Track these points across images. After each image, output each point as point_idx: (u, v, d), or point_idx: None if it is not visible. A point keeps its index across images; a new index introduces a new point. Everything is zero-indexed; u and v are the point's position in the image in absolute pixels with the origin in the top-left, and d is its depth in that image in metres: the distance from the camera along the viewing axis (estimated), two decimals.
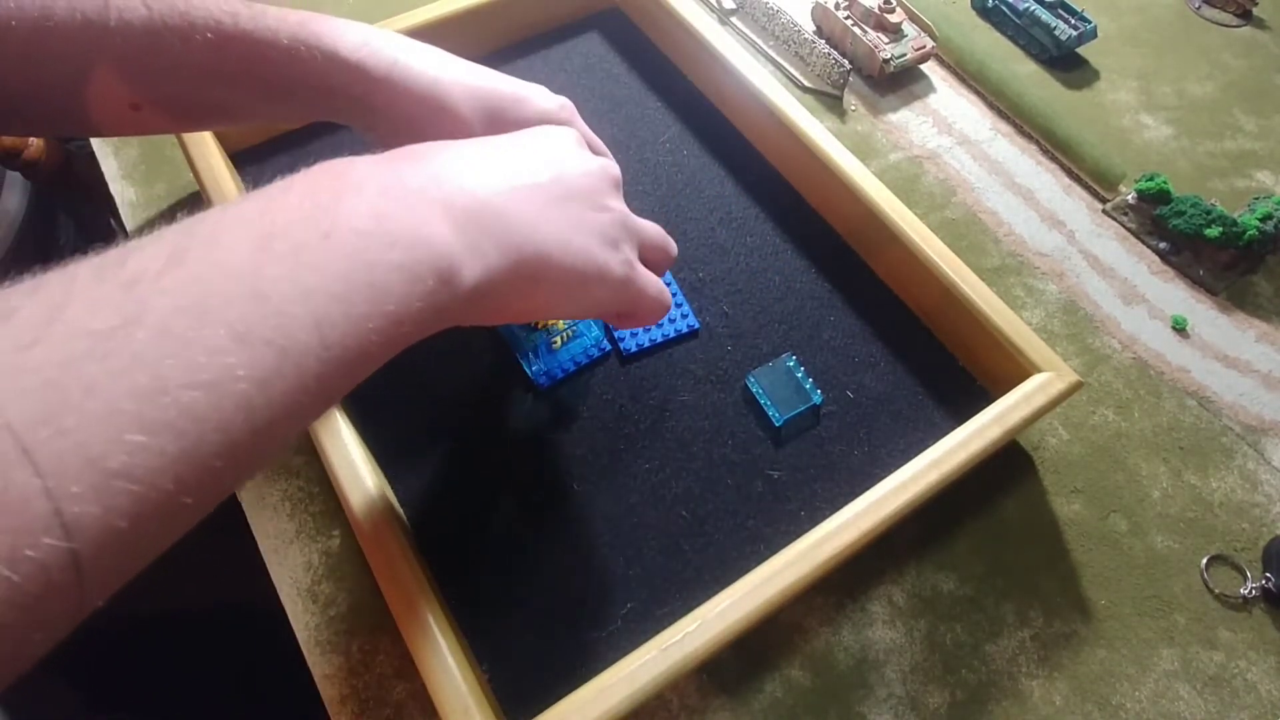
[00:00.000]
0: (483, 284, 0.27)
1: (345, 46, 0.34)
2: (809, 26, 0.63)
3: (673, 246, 0.37)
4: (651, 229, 0.36)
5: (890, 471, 0.38)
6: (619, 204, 0.33)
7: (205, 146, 0.45)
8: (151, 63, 0.32)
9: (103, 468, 0.16)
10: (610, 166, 0.34)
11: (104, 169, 0.51)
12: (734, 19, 0.64)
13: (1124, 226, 0.55)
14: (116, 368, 0.17)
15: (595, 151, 0.40)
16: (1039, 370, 0.41)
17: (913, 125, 0.59)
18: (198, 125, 0.40)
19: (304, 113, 0.36)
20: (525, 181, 0.30)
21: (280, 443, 0.21)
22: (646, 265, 0.35)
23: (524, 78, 0.40)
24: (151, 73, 0.32)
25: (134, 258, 0.19)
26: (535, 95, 0.38)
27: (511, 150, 0.31)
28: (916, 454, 0.38)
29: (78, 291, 0.18)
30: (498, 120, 0.36)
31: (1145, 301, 0.51)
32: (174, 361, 0.18)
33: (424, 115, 0.35)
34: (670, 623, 0.33)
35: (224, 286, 0.20)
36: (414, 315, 0.24)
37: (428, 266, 0.24)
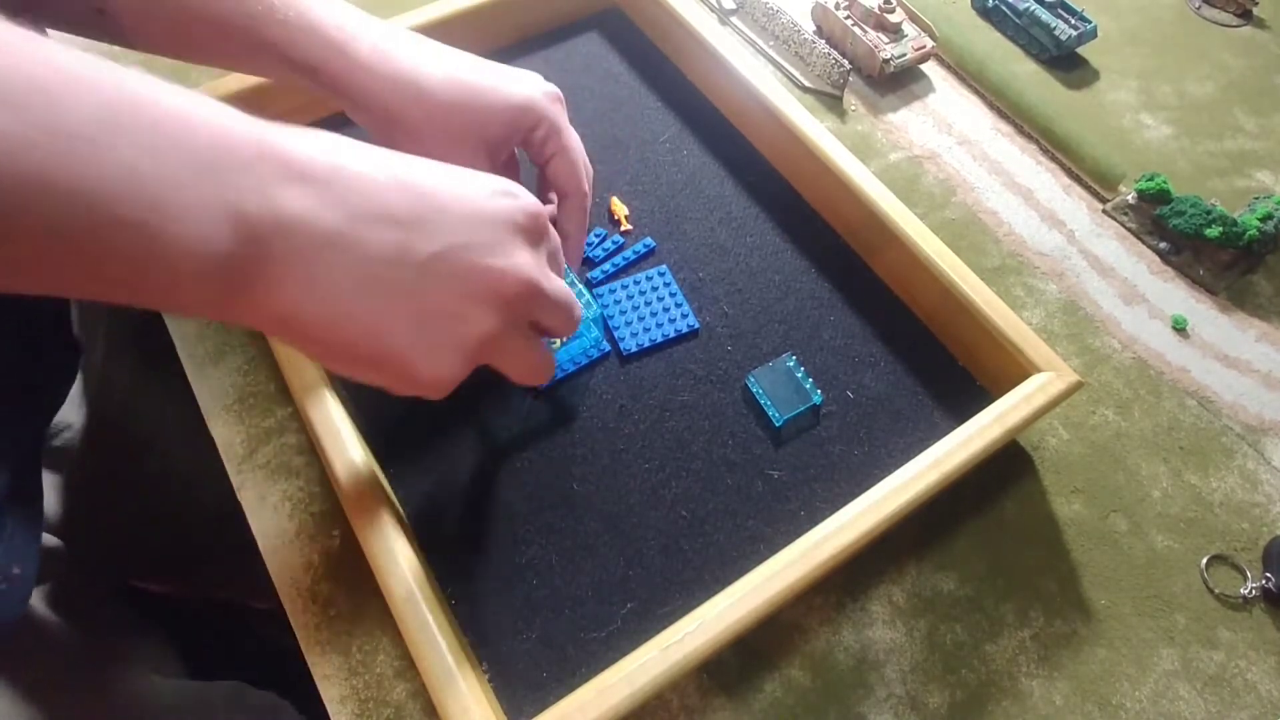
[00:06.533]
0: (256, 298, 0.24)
1: (330, 24, 0.34)
2: (809, 26, 0.63)
3: (576, 312, 0.33)
4: (555, 296, 0.31)
5: (890, 471, 0.38)
6: (487, 318, 0.28)
7: None
8: None
9: None
10: (522, 271, 0.29)
11: None
12: (734, 19, 0.64)
13: (1124, 226, 0.55)
14: None
15: (567, 148, 0.38)
16: (1039, 370, 0.41)
17: (913, 125, 0.59)
18: (158, 49, 0.36)
19: (284, 80, 0.36)
20: (390, 275, 0.26)
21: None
22: (547, 331, 0.33)
23: None
24: None
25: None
26: (510, 83, 0.37)
27: (415, 222, 0.27)
28: (916, 454, 0.38)
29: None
30: (472, 107, 0.36)
31: (1145, 301, 0.51)
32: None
33: (400, 104, 0.35)
34: (670, 623, 0.33)
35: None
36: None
37: (225, 231, 0.22)
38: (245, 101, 0.47)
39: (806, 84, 0.60)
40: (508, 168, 0.45)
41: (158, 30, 0.34)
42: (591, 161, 0.41)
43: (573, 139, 0.39)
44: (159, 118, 0.22)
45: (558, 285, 0.32)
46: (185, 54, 0.37)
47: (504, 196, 0.30)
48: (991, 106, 0.61)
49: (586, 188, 0.40)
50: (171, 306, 0.25)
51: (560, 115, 0.39)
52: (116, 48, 0.36)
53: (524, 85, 0.37)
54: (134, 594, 0.59)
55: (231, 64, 0.37)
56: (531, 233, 0.30)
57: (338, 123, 0.51)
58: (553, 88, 0.39)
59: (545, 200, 0.43)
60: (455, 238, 0.27)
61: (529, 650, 0.36)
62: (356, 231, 0.26)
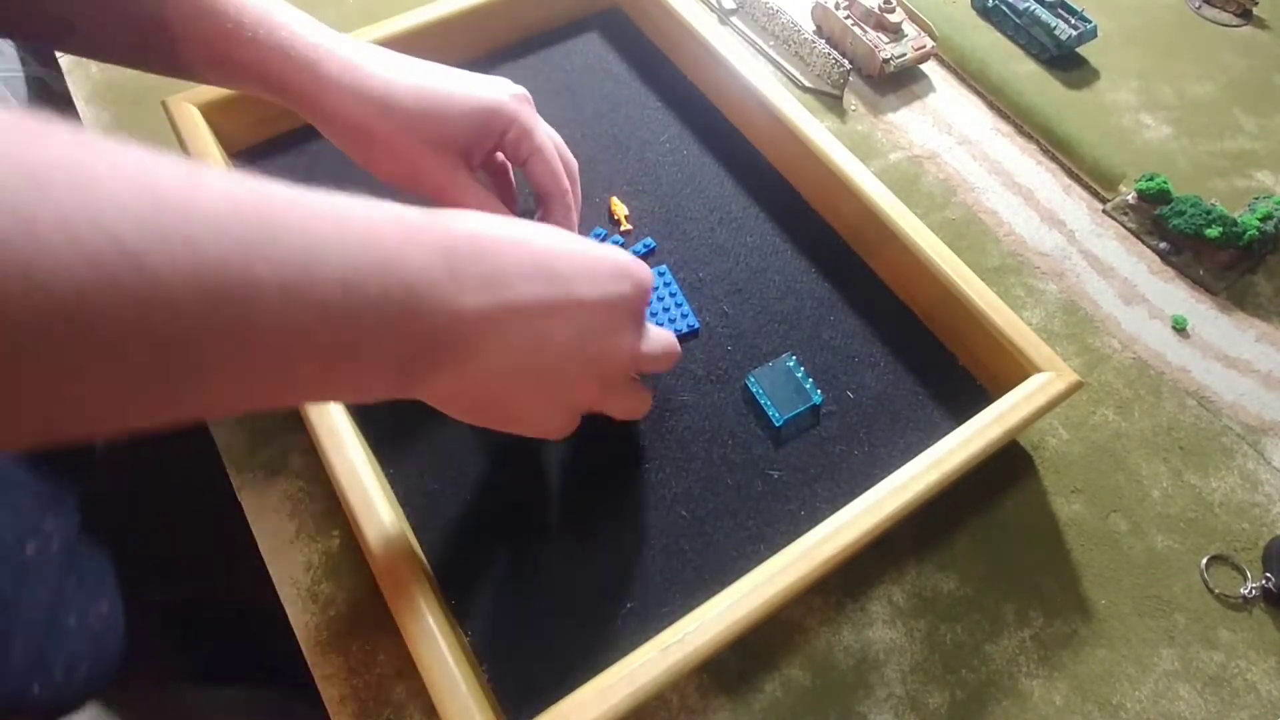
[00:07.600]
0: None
1: (300, 44, 0.34)
2: (809, 26, 0.63)
3: (674, 353, 0.36)
4: (653, 354, 0.34)
5: (890, 471, 0.38)
6: (593, 387, 0.32)
7: (205, 146, 0.45)
8: None
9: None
10: (625, 352, 0.32)
11: None
12: (734, 19, 0.64)
13: (1124, 226, 0.55)
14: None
15: (542, 147, 0.39)
16: (1039, 370, 0.41)
17: (913, 125, 0.59)
18: (124, 64, 0.37)
19: (254, 94, 0.37)
20: (528, 363, 0.29)
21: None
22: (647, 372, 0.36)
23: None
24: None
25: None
26: (476, 89, 0.38)
27: (565, 303, 0.29)
28: (916, 454, 0.38)
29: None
30: (441, 114, 0.36)
31: (1145, 301, 0.51)
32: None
33: (371, 118, 0.36)
34: (670, 623, 0.33)
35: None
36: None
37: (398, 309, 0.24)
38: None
39: (806, 84, 0.60)
40: (498, 174, 0.45)
41: (124, 46, 0.35)
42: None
43: (546, 139, 0.40)
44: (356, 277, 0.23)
45: (654, 342, 0.34)
46: (153, 69, 0.37)
47: (621, 280, 0.31)
48: (991, 106, 0.61)
49: (568, 185, 0.41)
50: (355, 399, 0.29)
51: (530, 116, 0.39)
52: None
53: (490, 89, 0.38)
54: (142, 601, 0.59)
55: (199, 79, 0.37)
56: (639, 308, 0.33)
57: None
58: (520, 89, 0.39)
59: (534, 204, 0.43)
60: (582, 327, 0.30)
61: (529, 650, 0.36)
62: (508, 323, 0.28)
